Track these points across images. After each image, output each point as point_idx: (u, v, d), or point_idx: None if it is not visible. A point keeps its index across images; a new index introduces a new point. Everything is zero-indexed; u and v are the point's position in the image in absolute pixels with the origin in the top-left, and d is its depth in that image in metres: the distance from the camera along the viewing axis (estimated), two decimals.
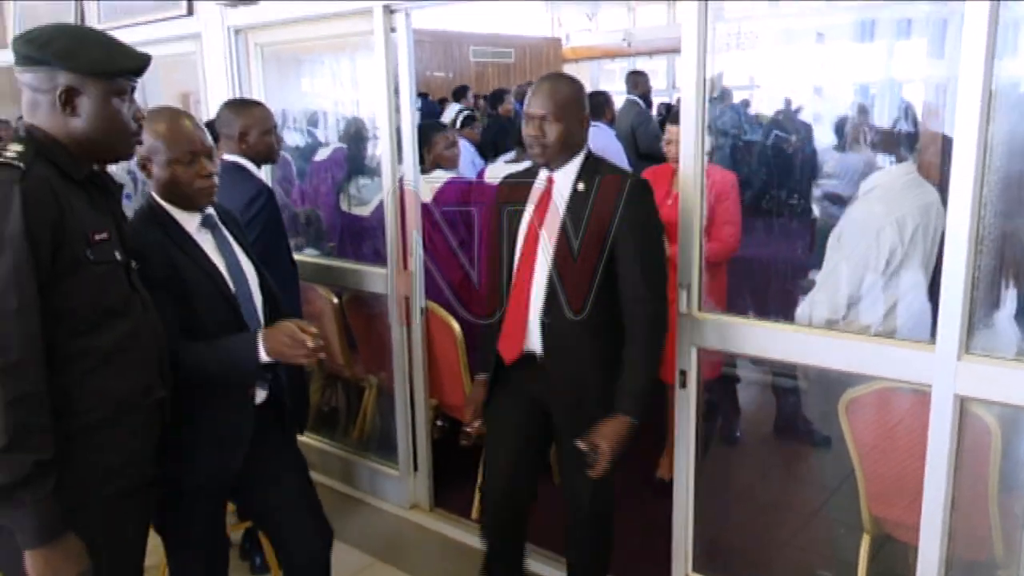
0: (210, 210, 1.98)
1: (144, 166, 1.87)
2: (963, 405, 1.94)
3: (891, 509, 2.26)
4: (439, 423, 3.61)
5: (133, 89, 1.62)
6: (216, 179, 1.92)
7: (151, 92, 4.11)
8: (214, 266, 1.92)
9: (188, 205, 1.91)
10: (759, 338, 2.25)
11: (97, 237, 1.54)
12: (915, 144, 2.44)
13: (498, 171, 3.51)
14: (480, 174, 3.62)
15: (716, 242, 2.82)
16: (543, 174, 2.18)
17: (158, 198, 1.91)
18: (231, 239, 2.02)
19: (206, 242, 1.94)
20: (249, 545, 2.91)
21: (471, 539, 2.99)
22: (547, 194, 2.14)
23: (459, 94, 7.95)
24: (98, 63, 1.53)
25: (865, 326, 2.32)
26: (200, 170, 1.87)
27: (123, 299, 1.62)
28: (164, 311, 1.78)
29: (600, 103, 5.31)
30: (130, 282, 1.66)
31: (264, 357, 1.86)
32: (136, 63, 1.60)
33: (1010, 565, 2.08)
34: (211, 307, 1.90)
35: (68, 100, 1.52)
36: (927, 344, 1.96)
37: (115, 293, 1.60)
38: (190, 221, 1.92)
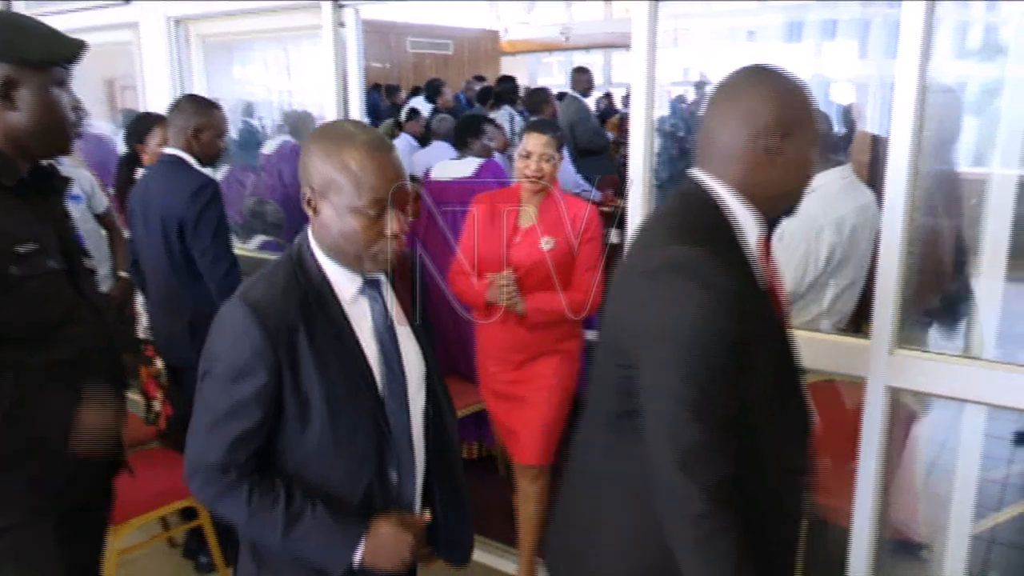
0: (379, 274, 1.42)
1: (309, 201, 1.35)
2: (894, 396, 2.05)
3: (827, 494, 2.37)
4: None
5: (70, 78, 1.56)
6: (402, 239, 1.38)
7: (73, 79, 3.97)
8: (363, 358, 1.37)
9: (353, 265, 1.37)
10: None
11: (22, 250, 1.45)
12: (848, 146, 2.55)
13: (445, 170, 3.51)
14: (426, 175, 3.59)
15: (578, 292, 2.46)
16: None
17: (315, 246, 1.38)
18: (392, 311, 1.43)
19: (361, 316, 1.39)
20: (195, 545, 2.87)
21: None
22: None
23: (433, 90, 7.58)
24: (36, 52, 1.47)
25: (805, 322, 2.42)
26: (386, 227, 1.33)
27: (66, 310, 1.53)
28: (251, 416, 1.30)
29: (540, 100, 5.38)
30: (78, 288, 1.56)
31: (356, 561, 1.36)
32: (74, 50, 1.54)
33: (934, 544, 2.21)
34: (343, 421, 1.34)
35: (6, 93, 1.45)
36: (862, 338, 2.06)
37: (55, 306, 1.50)
38: (349, 284, 1.38)
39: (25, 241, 1.46)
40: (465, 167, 3.56)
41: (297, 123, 3.87)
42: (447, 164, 3.65)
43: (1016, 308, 2.24)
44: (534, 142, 2.40)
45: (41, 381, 1.48)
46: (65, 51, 1.52)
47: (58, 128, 1.53)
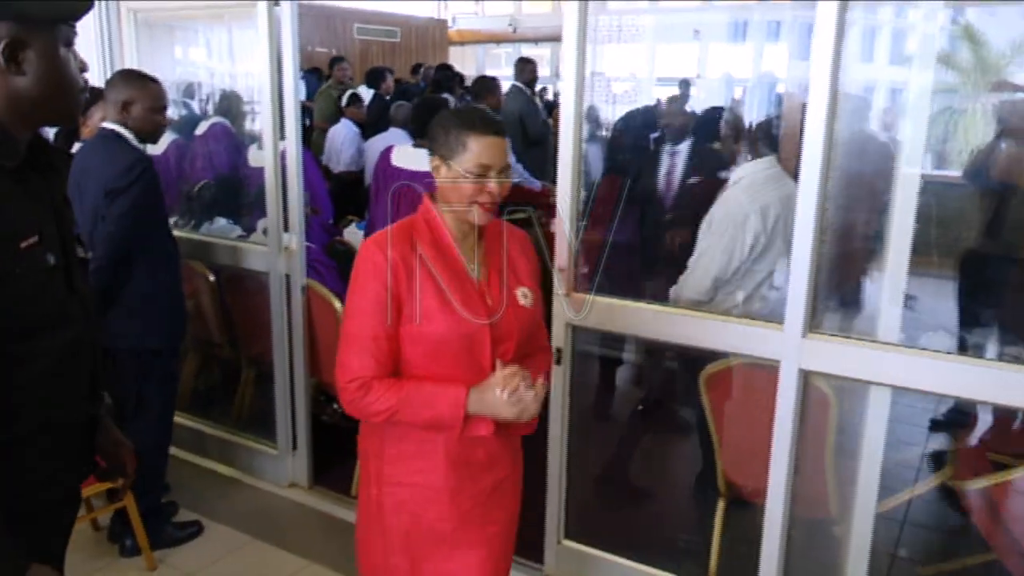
0: None
1: None
2: (807, 378, 2.14)
3: (743, 474, 2.47)
4: (336, 407, 3.61)
5: (76, 36, 1.40)
6: None
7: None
8: None
9: None
10: (629, 317, 2.40)
11: (24, 244, 1.29)
12: (775, 140, 2.64)
13: (407, 155, 3.41)
14: (387, 160, 3.46)
15: (546, 350, 1.87)
16: None
17: None
18: None
19: None
20: (120, 528, 2.83)
21: (350, 515, 3.03)
22: None
23: (376, 77, 7.38)
24: (42, 8, 1.31)
25: (730, 307, 2.51)
26: None
27: (57, 309, 1.38)
28: None
29: (486, 89, 5.39)
30: (70, 284, 1.40)
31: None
32: (82, 6, 1.39)
33: (843, 521, 2.32)
34: None
35: (12, 55, 1.28)
36: (777, 323, 2.15)
37: (46, 304, 1.35)
38: None
39: (28, 235, 1.30)
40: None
41: (228, 105, 3.83)
42: (409, 151, 3.41)
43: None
44: (493, 150, 1.59)
45: (18, 382, 1.34)
46: (73, 6, 1.37)
47: (69, 93, 1.37)
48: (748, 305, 2.57)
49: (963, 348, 3.37)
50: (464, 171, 1.58)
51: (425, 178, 3.07)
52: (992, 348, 3.40)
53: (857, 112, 2.80)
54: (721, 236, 2.46)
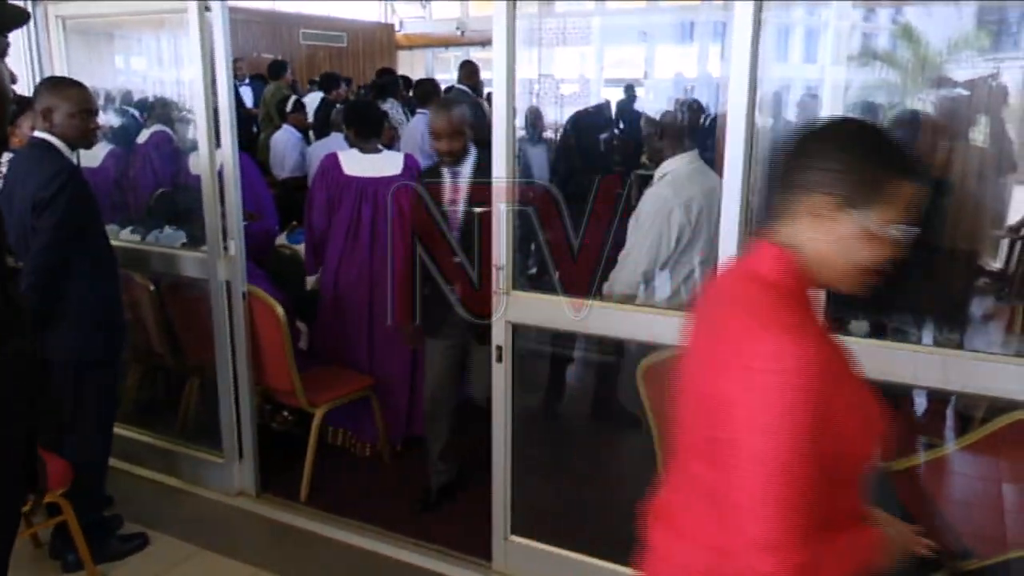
0: None
1: None
2: None
3: None
4: (286, 413, 3.59)
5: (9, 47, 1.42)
6: None
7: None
8: None
9: None
10: (566, 313, 2.43)
11: None
12: (695, 135, 2.71)
13: (357, 162, 3.42)
14: (336, 166, 3.42)
15: None
16: None
17: None
18: None
19: None
20: (61, 543, 2.78)
21: (300, 522, 3.02)
22: None
23: (329, 82, 7.36)
24: None
25: (660, 299, 2.57)
26: None
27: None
28: None
29: (431, 91, 5.43)
30: (7, 297, 1.37)
31: None
32: (19, 18, 1.38)
33: None
34: None
35: None
36: None
37: None
38: None
39: None
40: (388, 162, 3.39)
41: (168, 113, 3.80)
42: (359, 158, 3.41)
43: None
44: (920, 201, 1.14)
45: None
46: (10, 18, 1.37)
47: (1, 105, 1.38)
48: (678, 297, 2.63)
49: (901, 337, 3.48)
50: (884, 227, 1.09)
51: (389, 184, 3.09)
52: (921, 335, 3.52)
53: (804, 108, 2.90)
54: (648, 231, 2.52)
